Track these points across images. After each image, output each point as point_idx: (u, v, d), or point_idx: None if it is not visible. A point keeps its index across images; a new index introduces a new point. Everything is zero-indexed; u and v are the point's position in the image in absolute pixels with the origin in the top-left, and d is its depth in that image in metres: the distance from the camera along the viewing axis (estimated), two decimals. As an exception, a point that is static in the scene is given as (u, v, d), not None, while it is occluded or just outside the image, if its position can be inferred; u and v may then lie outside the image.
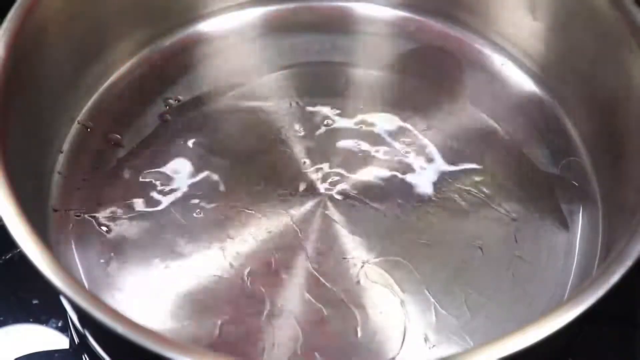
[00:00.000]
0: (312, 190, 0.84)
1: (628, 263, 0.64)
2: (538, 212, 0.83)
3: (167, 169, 0.85)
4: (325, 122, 0.89)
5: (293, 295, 0.76)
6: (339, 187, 0.84)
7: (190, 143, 0.88)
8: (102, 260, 0.78)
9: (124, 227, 0.81)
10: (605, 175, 0.85)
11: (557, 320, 0.60)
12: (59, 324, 0.86)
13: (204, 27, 1.00)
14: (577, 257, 0.80)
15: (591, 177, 0.86)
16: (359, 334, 0.74)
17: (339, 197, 0.83)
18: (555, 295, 0.77)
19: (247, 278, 0.77)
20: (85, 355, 0.82)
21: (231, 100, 0.93)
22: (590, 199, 0.84)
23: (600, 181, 0.85)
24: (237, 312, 0.75)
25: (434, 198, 0.83)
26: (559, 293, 0.77)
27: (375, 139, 0.88)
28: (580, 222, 0.83)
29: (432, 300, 0.76)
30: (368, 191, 0.84)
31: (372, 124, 0.89)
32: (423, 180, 0.84)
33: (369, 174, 0.85)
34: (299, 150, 0.87)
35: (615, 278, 0.63)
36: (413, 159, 0.86)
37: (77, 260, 0.78)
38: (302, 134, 0.89)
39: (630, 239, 0.66)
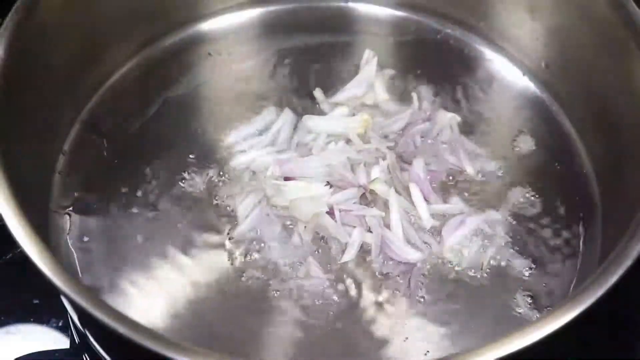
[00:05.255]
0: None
1: (628, 263, 0.64)
2: (538, 212, 0.83)
3: (168, 169, 0.85)
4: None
5: (296, 295, 0.76)
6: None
7: (190, 143, 0.88)
8: (102, 260, 0.78)
9: (124, 227, 0.81)
10: (605, 176, 0.85)
11: (557, 320, 0.60)
12: (60, 324, 0.86)
13: (204, 27, 1.00)
14: (577, 257, 0.80)
15: (591, 177, 0.87)
16: (359, 334, 0.74)
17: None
18: (557, 295, 0.77)
19: (248, 277, 0.77)
20: (86, 355, 0.82)
21: (231, 99, 0.93)
22: (590, 199, 0.84)
23: (600, 181, 0.85)
24: (238, 311, 0.75)
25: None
26: (560, 293, 0.77)
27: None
28: (580, 222, 0.83)
29: (438, 297, 0.76)
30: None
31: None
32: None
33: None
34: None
35: (615, 278, 0.63)
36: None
37: (77, 260, 0.78)
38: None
39: (630, 239, 0.66)
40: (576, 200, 0.84)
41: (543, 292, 0.77)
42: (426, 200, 0.82)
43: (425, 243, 0.79)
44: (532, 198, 0.84)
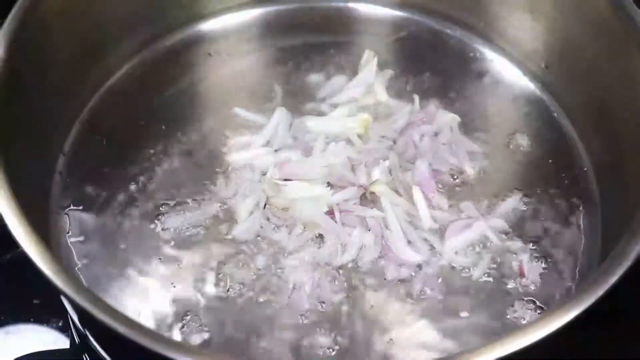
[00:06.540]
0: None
1: (627, 263, 0.64)
2: (538, 213, 0.83)
3: (168, 168, 0.85)
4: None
5: (294, 295, 0.76)
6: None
7: (190, 143, 0.88)
8: (102, 260, 0.78)
9: (125, 227, 0.81)
10: (605, 176, 0.85)
11: (557, 320, 0.60)
12: (60, 324, 0.86)
13: (204, 27, 1.00)
14: (577, 256, 0.80)
15: (591, 176, 0.87)
16: (358, 334, 0.74)
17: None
18: (556, 295, 0.77)
19: (247, 277, 0.77)
20: (86, 355, 0.82)
21: (231, 99, 0.93)
22: (590, 200, 0.84)
23: (600, 181, 0.85)
24: (237, 311, 0.75)
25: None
26: (560, 293, 0.77)
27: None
28: (580, 222, 0.83)
29: (438, 299, 0.76)
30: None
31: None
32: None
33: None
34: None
35: (614, 278, 0.63)
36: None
37: (77, 260, 0.78)
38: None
39: (629, 240, 0.66)
40: (576, 200, 0.84)
41: (543, 292, 0.77)
42: (431, 200, 0.82)
43: (428, 244, 0.79)
44: (532, 197, 0.84)
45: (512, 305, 0.76)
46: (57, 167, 0.85)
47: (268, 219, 0.81)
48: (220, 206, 0.82)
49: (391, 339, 0.73)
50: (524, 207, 0.83)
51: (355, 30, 1.02)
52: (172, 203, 0.82)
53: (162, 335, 0.66)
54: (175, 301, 0.76)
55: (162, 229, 0.80)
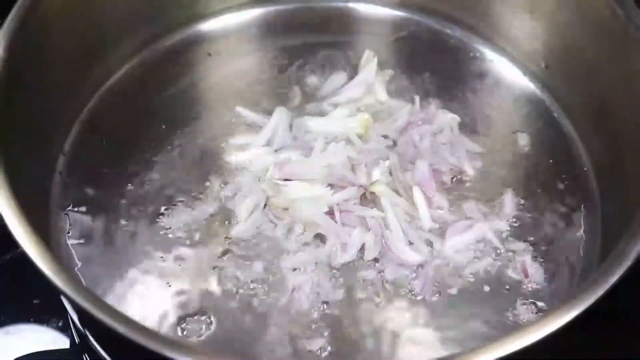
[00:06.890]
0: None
1: (627, 263, 0.64)
2: (538, 213, 0.83)
3: (168, 168, 0.85)
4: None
5: (294, 295, 0.76)
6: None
7: (190, 143, 0.88)
8: (102, 260, 0.78)
9: (124, 227, 0.81)
10: (605, 176, 0.85)
11: (557, 320, 0.60)
12: (60, 324, 0.86)
13: (204, 27, 1.00)
14: (577, 257, 0.80)
15: (591, 177, 0.87)
16: (358, 335, 0.74)
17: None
18: (556, 296, 0.77)
19: (247, 277, 0.77)
20: (86, 355, 0.82)
21: (231, 99, 0.93)
22: (590, 200, 0.84)
23: (600, 181, 0.85)
24: (237, 311, 0.75)
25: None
26: (560, 294, 0.77)
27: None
28: (580, 222, 0.83)
29: (438, 300, 0.76)
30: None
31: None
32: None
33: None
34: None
35: (614, 278, 0.63)
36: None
37: (77, 260, 0.78)
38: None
39: (629, 240, 0.66)
40: (576, 200, 0.84)
41: (543, 293, 0.77)
42: (431, 200, 0.82)
43: (428, 244, 0.79)
44: (532, 198, 0.84)
45: (513, 306, 0.76)
46: (57, 167, 0.85)
47: (268, 219, 0.81)
48: (220, 206, 0.82)
49: (392, 339, 0.73)
50: (524, 208, 0.83)
51: (355, 30, 1.02)
52: (172, 203, 0.82)
53: (162, 335, 0.66)
54: (175, 301, 0.76)
55: (162, 229, 0.80)
